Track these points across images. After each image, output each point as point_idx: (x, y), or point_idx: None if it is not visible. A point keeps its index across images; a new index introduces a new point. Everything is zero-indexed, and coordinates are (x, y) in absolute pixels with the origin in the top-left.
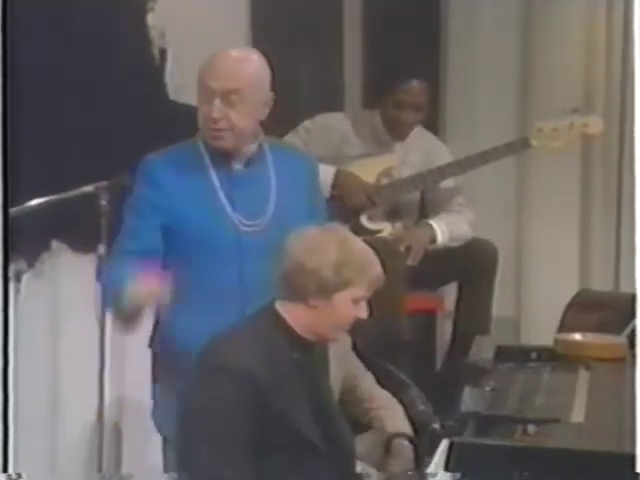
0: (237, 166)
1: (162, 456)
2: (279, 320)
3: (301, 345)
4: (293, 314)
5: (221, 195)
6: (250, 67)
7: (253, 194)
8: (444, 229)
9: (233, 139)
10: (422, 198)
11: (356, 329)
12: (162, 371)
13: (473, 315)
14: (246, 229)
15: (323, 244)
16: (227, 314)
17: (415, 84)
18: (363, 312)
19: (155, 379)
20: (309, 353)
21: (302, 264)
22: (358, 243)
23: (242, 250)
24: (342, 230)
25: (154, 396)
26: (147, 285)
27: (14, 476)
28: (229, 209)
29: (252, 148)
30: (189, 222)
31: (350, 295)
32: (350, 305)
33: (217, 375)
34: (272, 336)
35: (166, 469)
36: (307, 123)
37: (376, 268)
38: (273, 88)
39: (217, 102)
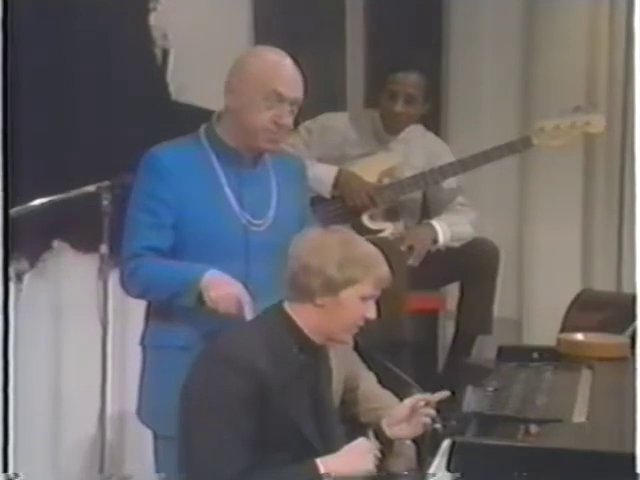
0: (246, 166)
1: (153, 452)
2: (288, 321)
3: (308, 347)
4: (302, 315)
5: (229, 193)
6: (303, 75)
7: (258, 194)
8: (445, 229)
9: (281, 141)
10: (424, 198)
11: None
12: (154, 365)
13: (475, 315)
14: (253, 228)
15: (327, 243)
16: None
17: (408, 75)
18: (372, 312)
19: (144, 373)
20: (314, 355)
21: (307, 264)
22: (363, 242)
23: (249, 249)
24: (346, 230)
25: (141, 390)
26: (229, 297)
27: (11, 476)
28: (237, 208)
29: None
30: (197, 218)
31: (357, 292)
32: (358, 302)
33: (223, 370)
34: (280, 336)
35: (157, 465)
36: (308, 123)
37: (383, 267)
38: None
39: (286, 109)
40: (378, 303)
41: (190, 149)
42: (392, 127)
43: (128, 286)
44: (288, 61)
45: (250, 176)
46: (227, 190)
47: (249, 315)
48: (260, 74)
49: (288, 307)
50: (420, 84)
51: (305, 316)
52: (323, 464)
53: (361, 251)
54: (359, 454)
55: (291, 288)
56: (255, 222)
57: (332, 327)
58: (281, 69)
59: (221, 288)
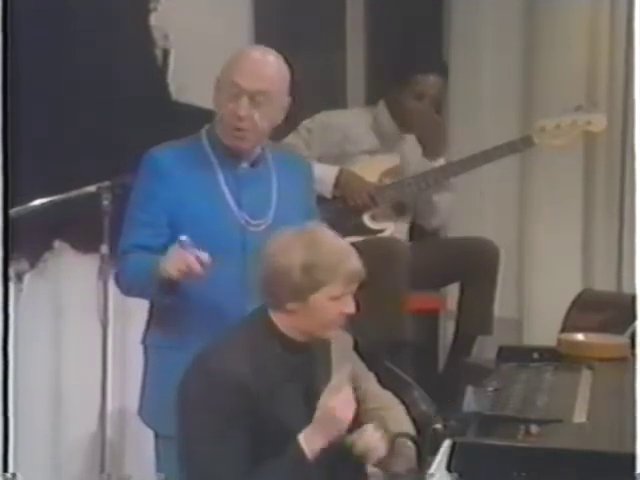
0: (244, 166)
1: (154, 452)
2: (271, 325)
3: (295, 348)
4: (279, 319)
5: (227, 193)
6: (277, 70)
7: (257, 194)
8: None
9: (252, 140)
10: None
11: (358, 329)
12: (154, 365)
13: (475, 315)
14: (251, 229)
15: (291, 246)
16: (228, 312)
17: (434, 77)
18: (349, 307)
19: (146, 373)
20: (305, 355)
21: (273, 268)
22: (328, 242)
23: (247, 249)
24: (314, 229)
25: (143, 390)
26: (182, 261)
27: (9, 476)
28: (235, 208)
29: (258, 149)
30: (195, 218)
31: (326, 295)
32: (329, 304)
33: (211, 384)
34: (265, 341)
35: (158, 465)
36: (307, 123)
37: (351, 264)
38: (291, 93)
39: (244, 100)
40: (356, 296)
41: (190, 150)
42: (410, 125)
43: (118, 284)
44: (259, 54)
45: (250, 175)
46: (225, 190)
47: (200, 270)
48: (226, 66)
49: (270, 310)
50: (442, 85)
51: (282, 320)
52: (304, 438)
53: (325, 251)
54: (334, 412)
55: (262, 293)
56: (254, 222)
57: (310, 328)
58: (243, 60)
59: (170, 258)
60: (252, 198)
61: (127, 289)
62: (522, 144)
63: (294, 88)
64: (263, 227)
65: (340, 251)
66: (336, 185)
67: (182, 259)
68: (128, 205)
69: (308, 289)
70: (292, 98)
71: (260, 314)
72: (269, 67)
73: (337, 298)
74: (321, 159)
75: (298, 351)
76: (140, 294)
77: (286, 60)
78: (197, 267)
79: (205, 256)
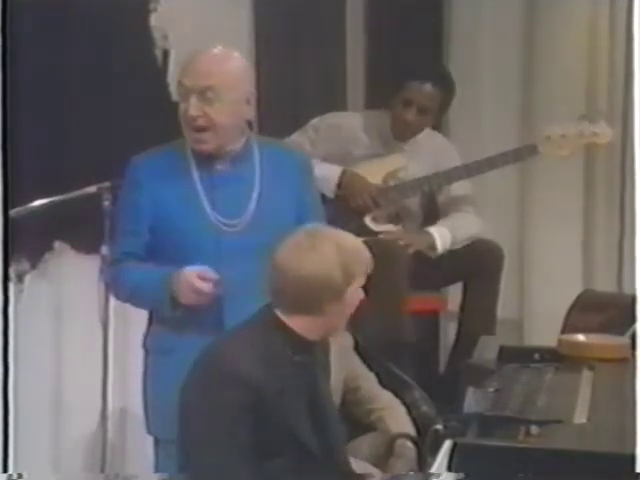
0: (219, 166)
1: (154, 457)
2: (279, 324)
3: (302, 347)
4: (298, 322)
5: (202, 195)
6: (225, 64)
7: (234, 194)
8: (445, 235)
9: (215, 139)
10: (431, 202)
11: (358, 329)
12: (154, 369)
13: (478, 315)
14: (226, 229)
15: (321, 250)
16: (207, 314)
17: (425, 86)
18: (362, 294)
19: (146, 377)
20: (310, 355)
21: (310, 278)
22: (343, 236)
23: (221, 250)
24: (328, 231)
25: (144, 396)
26: (194, 291)
27: (15, 476)
28: (209, 209)
29: (237, 147)
30: (171, 223)
31: (356, 285)
32: (357, 293)
33: (217, 382)
34: (272, 340)
35: (157, 467)
36: (316, 121)
37: (366, 252)
38: (257, 87)
39: (193, 100)
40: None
41: (171, 154)
42: (401, 134)
43: (114, 291)
44: (204, 53)
45: (226, 175)
46: (200, 192)
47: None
48: (177, 72)
49: (279, 312)
50: (436, 96)
51: (304, 323)
52: None
53: (353, 247)
54: None
55: (289, 302)
56: (228, 223)
57: (336, 326)
58: (187, 60)
59: (181, 291)
60: (228, 199)
61: (125, 298)
62: (527, 152)
63: (257, 81)
64: (239, 227)
65: (357, 242)
66: (339, 185)
67: (193, 289)
68: (116, 213)
69: (345, 285)
70: (257, 90)
71: (267, 314)
72: (214, 63)
73: (358, 287)
74: (326, 159)
75: (304, 351)
76: (141, 306)
77: (246, 56)
78: (211, 291)
79: (215, 276)
